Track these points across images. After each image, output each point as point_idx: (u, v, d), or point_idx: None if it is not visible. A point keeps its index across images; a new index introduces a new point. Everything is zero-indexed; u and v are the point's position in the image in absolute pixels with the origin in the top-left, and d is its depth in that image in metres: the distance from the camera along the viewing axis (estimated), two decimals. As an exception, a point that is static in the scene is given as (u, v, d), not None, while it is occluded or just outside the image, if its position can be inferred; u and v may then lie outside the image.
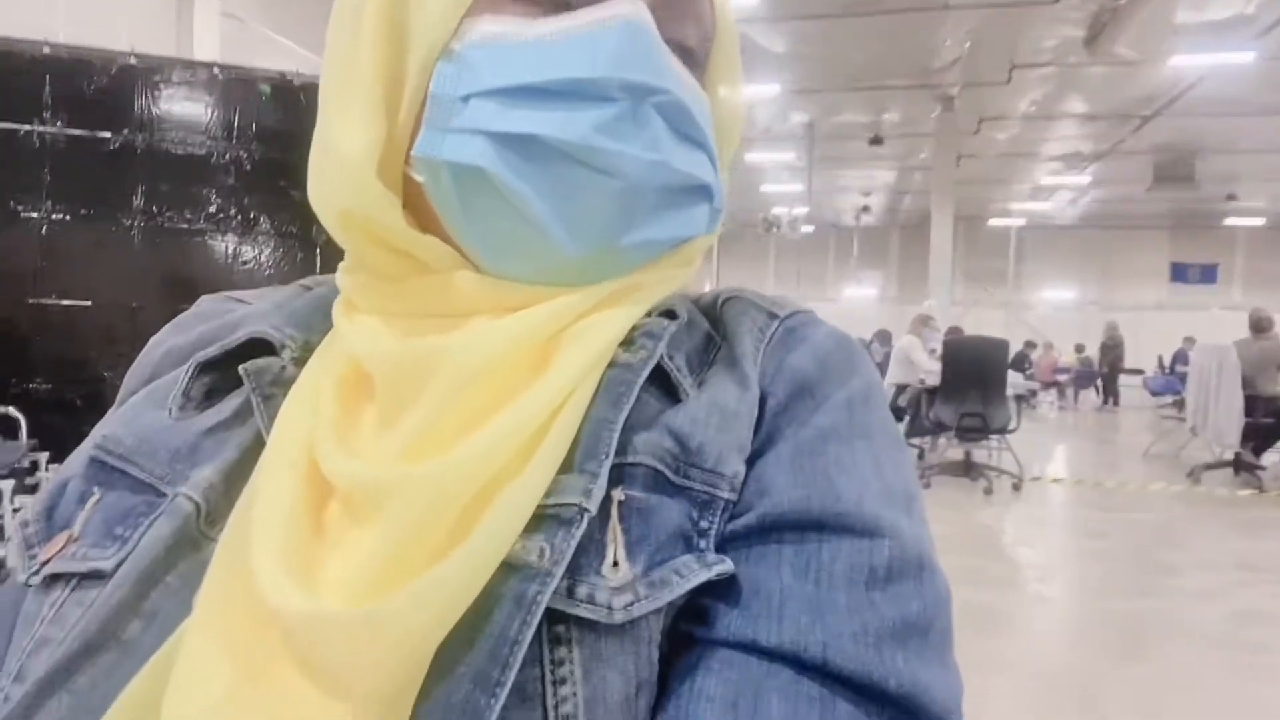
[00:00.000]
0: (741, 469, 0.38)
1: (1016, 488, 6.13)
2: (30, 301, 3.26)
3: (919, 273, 17.09)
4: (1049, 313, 20.99)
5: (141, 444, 0.42)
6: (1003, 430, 6.09)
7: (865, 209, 20.14)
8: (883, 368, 7.48)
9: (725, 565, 0.35)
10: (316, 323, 0.47)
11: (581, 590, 0.34)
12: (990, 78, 10.84)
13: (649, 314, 0.43)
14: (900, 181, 18.20)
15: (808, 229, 16.94)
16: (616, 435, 0.37)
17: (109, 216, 3.32)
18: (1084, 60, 10.19)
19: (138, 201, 3.34)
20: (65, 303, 3.31)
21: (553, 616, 0.33)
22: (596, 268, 0.40)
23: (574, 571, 0.34)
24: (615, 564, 0.34)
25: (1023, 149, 14.99)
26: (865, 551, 0.36)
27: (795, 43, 10.05)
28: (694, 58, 0.43)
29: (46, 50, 3.20)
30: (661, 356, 0.41)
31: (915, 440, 7.18)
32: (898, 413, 7.01)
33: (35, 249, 3.24)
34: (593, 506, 0.35)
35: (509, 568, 0.33)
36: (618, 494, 0.36)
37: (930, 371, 6.52)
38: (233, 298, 0.53)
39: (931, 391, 6.33)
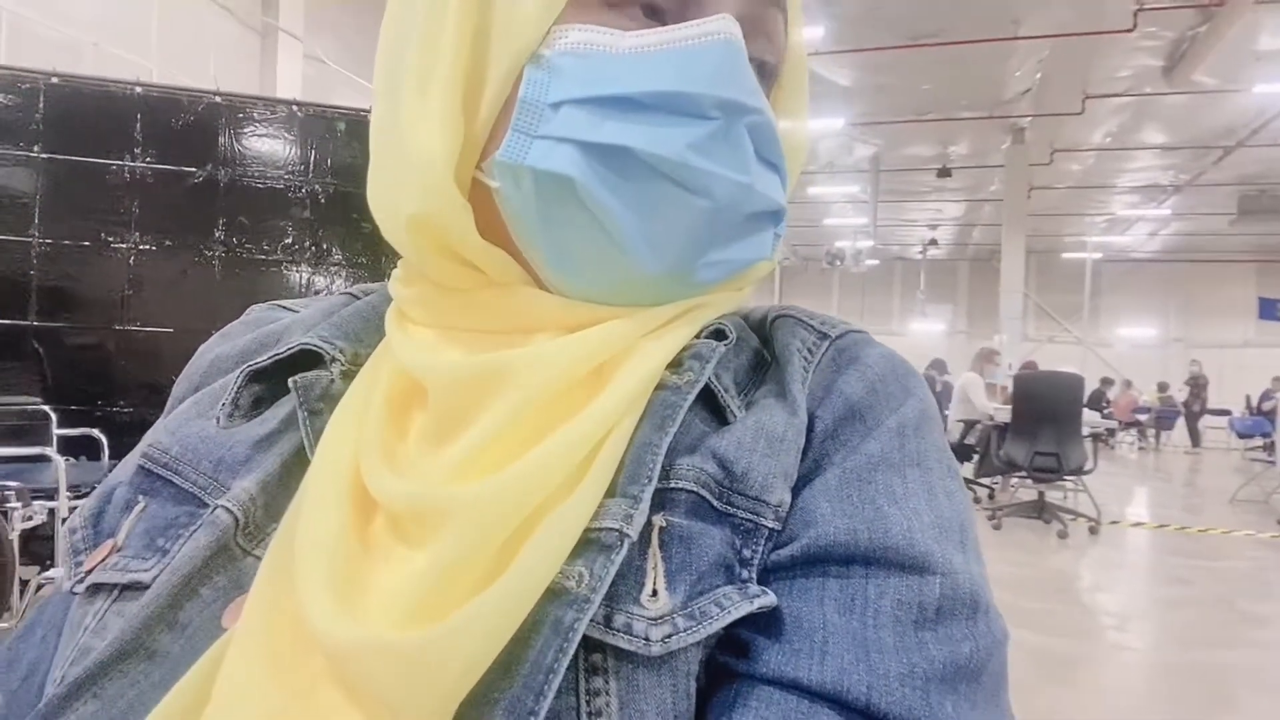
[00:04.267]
0: (787, 497, 0.37)
1: (1093, 531, 5.88)
2: (117, 328, 3.42)
3: (989, 307, 16.70)
4: (1127, 350, 20.25)
5: (186, 453, 0.43)
6: (1078, 471, 5.86)
7: (932, 242, 19.78)
8: (941, 398, 7.29)
9: (768, 598, 0.34)
10: (366, 334, 0.46)
11: (619, 620, 0.33)
12: (1063, 108, 10.60)
13: (699, 334, 0.42)
14: (969, 214, 17.86)
15: (872, 262, 16.73)
16: (660, 459, 0.36)
17: (192, 247, 3.48)
18: (1162, 89, 9.91)
19: (218, 233, 3.49)
20: (149, 329, 3.46)
21: (590, 645, 0.32)
22: (667, 288, 0.40)
23: (612, 599, 0.33)
24: (654, 593, 0.33)
25: (1098, 180, 14.58)
26: (915, 588, 0.34)
27: (861, 74, 10.01)
28: (768, 77, 0.42)
29: (138, 90, 3.39)
30: (709, 378, 0.40)
31: (985, 480, 6.96)
32: (966, 450, 6.82)
33: (123, 278, 3.42)
34: (633, 532, 0.34)
35: (547, 592, 0.32)
36: (659, 520, 0.35)
37: (987, 413, 6.32)
38: (280, 305, 0.54)
39: (1002, 429, 6.14)
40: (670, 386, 0.39)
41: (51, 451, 2.71)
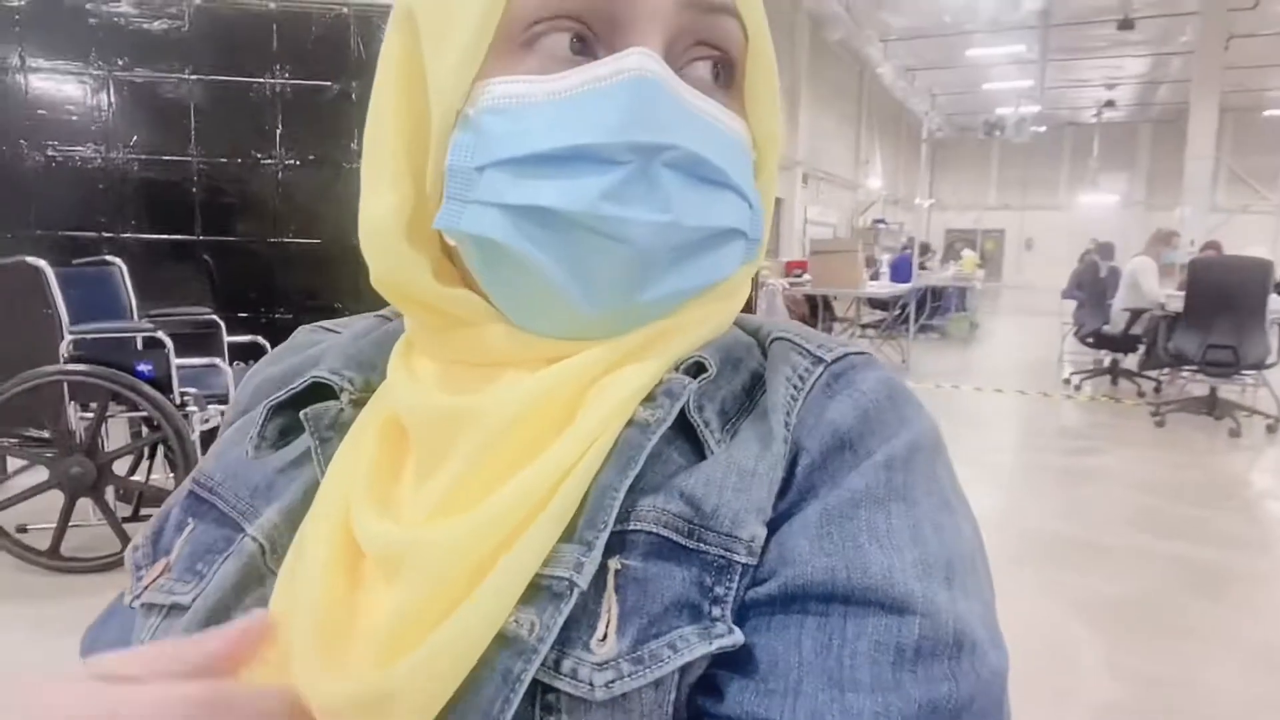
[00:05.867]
0: (760, 532, 0.36)
1: (1271, 430, 5.41)
2: (271, 240, 3.67)
3: (1173, 174, 15.13)
4: (1338, 218, 17.91)
5: (227, 479, 0.46)
6: (1259, 365, 5.35)
7: (1109, 104, 17.91)
8: (1106, 284, 6.74)
9: (731, 638, 0.34)
10: (380, 362, 0.48)
11: (566, 664, 0.33)
12: (1276, -59, 9.13)
13: (678, 367, 0.41)
14: (1154, 70, 15.99)
15: (1038, 129, 15.35)
16: (618, 504, 0.36)
17: (331, 162, 3.64)
18: None
19: (355, 146, 3.61)
20: (300, 241, 3.69)
21: (545, 686, 0.33)
22: (620, 323, 0.40)
23: (564, 643, 0.34)
24: (604, 638, 0.34)
25: (1316, 24, 12.62)
26: (893, 629, 0.34)
27: (1029, -80, 8.94)
28: (725, 79, 0.41)
29: (272, 5, 3.49)
30: (687, 411, 0.39)
31: (1151, 372, 6.48)
32: (1131, 341, 6.35)
33: (273, 193, 3.63)
34: (583, 581, 0.34)
35: (501, 639, 0.34)
36: (614, 563, 0.35)
37: (1158, 301, 5.80)
38: (323, 328, 0.56)
39: (1172, 319, 5.65)
40: (639, 423, 0.39)
41: (221, 362, 2.99)
